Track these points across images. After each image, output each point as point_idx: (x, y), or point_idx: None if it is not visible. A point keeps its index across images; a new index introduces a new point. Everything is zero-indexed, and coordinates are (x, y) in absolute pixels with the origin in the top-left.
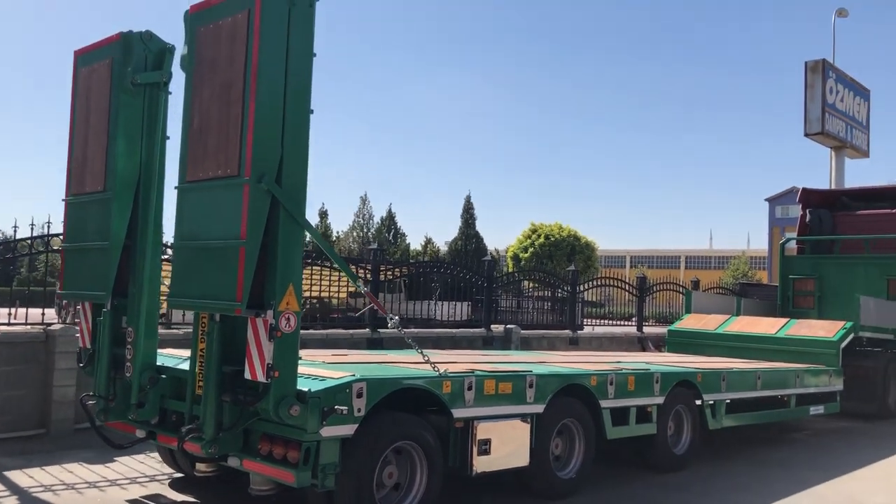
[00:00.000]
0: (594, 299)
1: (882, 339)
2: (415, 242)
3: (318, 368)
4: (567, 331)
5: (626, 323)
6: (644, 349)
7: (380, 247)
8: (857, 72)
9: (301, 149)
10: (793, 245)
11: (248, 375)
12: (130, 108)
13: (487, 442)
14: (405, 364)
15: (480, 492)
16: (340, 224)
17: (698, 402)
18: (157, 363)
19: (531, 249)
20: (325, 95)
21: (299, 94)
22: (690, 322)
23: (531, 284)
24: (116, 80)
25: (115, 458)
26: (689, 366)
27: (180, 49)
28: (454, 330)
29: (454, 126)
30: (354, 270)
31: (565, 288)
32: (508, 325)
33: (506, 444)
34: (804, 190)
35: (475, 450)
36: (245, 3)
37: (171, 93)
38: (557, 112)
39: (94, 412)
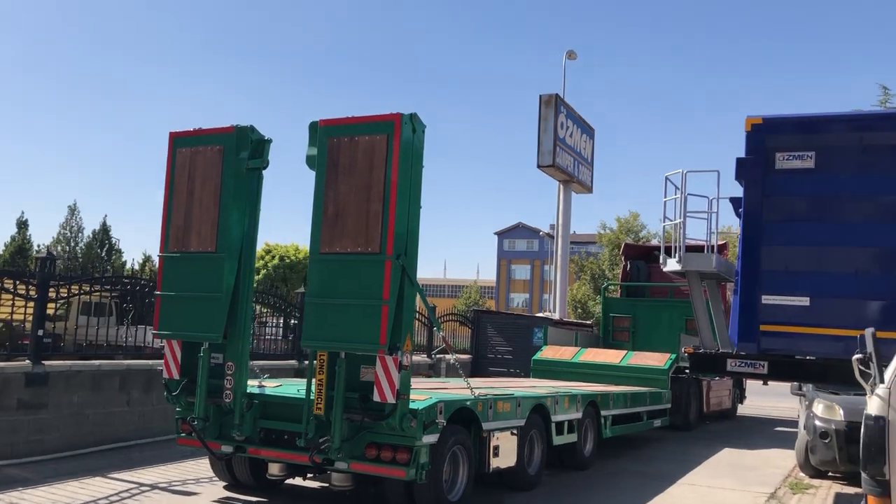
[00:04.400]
0: None
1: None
2: (134, 259)
3: None
4: (293, 361)
5: None
6: None
7: (50, 254)
8: (582, 112)
9: (416, 233)
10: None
11: (377, 398)
12: (238, 186)
13: (498, 447)
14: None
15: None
16: (43, 237)
17: (597, 417)
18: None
19: (264, 271)
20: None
21: (416, 194)
22: (550, 353)
23: (261, 309)
24: (228, 163)
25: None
26: (582, 389)
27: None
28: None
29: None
30: (12, 286)
31: (295, 313)
32: None
33: (506, 449)
34: (625, 245)
35: (491, 453)
36: (385, 129)
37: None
38: (276, 131)
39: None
